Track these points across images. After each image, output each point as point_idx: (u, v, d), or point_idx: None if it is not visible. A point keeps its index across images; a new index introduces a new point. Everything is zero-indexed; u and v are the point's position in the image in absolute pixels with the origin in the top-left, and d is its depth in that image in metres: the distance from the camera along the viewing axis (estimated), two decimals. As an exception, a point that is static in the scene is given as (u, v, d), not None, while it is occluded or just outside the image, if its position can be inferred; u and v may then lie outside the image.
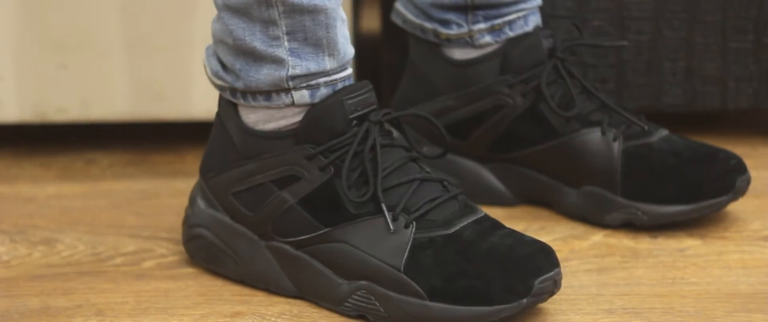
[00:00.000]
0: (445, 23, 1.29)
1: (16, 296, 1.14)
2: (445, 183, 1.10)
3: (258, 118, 1.11)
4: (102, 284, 1.16)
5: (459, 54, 1.30)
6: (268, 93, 1.10)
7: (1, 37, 1.44)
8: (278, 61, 1.08)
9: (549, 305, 1.09)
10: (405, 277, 1.04)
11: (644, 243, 1.23)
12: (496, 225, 1.08)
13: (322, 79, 1.09)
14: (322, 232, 1.09)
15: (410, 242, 1.06)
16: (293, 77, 1.08)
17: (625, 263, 1.18)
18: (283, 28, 1.08)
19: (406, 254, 1.05)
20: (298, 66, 1.08)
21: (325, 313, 1.09)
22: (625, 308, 1.09)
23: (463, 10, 1.29)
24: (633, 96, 1.48)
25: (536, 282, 1.02)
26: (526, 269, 1.03)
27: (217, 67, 1.13)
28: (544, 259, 1.04)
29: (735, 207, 1.29)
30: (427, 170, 1.11)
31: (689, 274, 1.16)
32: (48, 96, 1.46)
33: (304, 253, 1.10)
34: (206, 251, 1.17)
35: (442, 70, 1.31)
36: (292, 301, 1.11)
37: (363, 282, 1.06)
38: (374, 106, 1.11)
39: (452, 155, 1.32)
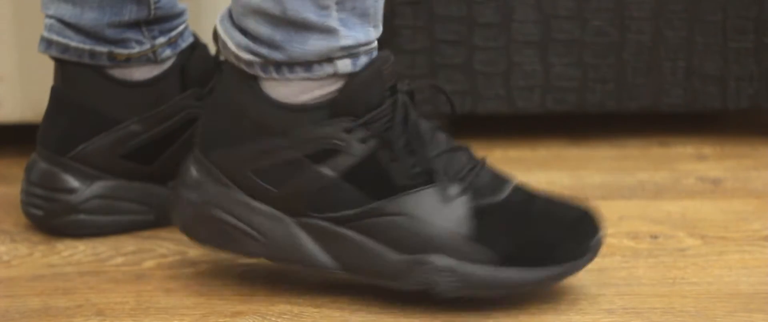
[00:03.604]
0: (123, 43, 1.24)
1: (16, 296, 1.14)
2: (469, 151, 1.11)
3: (290, 90, 1.07)
4: (102, 284, 1.16)
5: (138, 74, 1.25)
6: (309, 64, 1.06)
7: (1, 37, 1.44)
8: (330, 31, 1.05)
9: (549, 305, 1.09)
10: (474, 244, 1.05)
11: (645, 243, 1.23)
12: (533, 192, 1.10)
13: (362, 49, 1.07)
14: (370, 206, 1.06)
15: (469, 210, 1.06)
16: (343, 48, 1.05)
17: (626, 263, 1.18)
18: None
19: (469, 221, 1.05)
20: (349, 36, 1.05)
21: (325, 313, 1.09)
22: (625, 308, 1.09)
23: (137, 26, 1.24)
24: (633, 96, 1.48)
25: (591, 242, 1.07)
26: (580, 231, 1.07)
27: (245, 41, 1.07)
28: (591, 221, 1.09)
29: (735, 207, 1.29)
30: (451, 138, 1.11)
31: (690, 274, 1.16)
32: (48, 96, 1.46)
33: (349, 229, 1.07)
34: (219, 231, 1.11)
35: (113, 94, 1.24)
36: (293, 301, 1.11)
37: (424, 255, 1.05)
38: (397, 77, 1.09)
39: (141, 184, 1.27)
